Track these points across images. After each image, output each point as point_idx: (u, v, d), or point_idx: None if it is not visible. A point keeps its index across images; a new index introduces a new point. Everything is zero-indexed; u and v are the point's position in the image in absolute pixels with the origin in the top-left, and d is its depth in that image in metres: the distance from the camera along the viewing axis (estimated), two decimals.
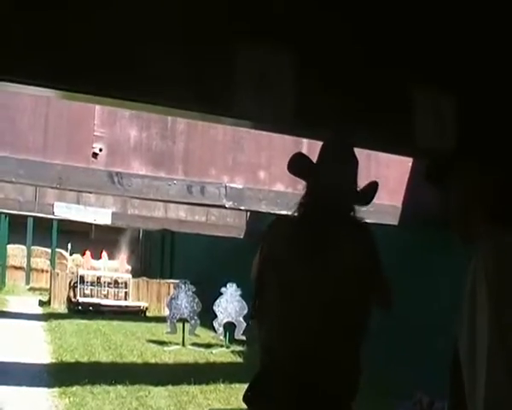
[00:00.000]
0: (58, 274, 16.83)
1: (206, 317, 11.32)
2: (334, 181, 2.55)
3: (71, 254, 21.25)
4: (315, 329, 2.41)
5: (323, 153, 2.61)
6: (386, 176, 6.85)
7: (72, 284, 16.34)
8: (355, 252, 2.49)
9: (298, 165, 2.63)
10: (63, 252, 21.88)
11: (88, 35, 2.18)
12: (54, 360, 9.21)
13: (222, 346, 11.11)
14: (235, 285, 10.90)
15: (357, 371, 2.52)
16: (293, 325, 2.45)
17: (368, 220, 7.51)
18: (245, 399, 2.56)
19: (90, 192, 6.82)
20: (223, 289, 11.07)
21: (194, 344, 11.33)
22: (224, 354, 10.60)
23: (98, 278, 16.78)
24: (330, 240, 2.49)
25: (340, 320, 2.44)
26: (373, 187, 2.71)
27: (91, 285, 16.51)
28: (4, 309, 14.68)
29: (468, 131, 2.60)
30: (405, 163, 6.81)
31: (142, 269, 21.62)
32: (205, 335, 11.84)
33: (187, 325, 11.48)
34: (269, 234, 2.65)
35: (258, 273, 2.63)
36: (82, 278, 16.44)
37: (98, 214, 8.47)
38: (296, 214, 2.59)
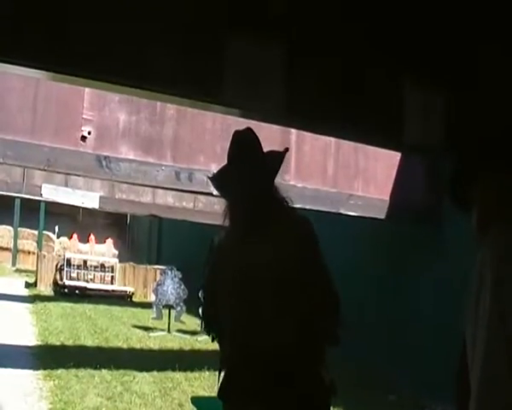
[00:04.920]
0: (45, 256, 16.77)
1: (192, 304, 11.33)
2: (239, 181, 2.58)
3: (58, 237, 21.18)
4: (266, 316, 2.49)
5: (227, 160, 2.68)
6: (374, 169, 6.87)
7: (58, 266, 16.30)
8: (284, 241, 2.52)
9: (217, 186, 2.76)
10: (50, 234, 21.81)
11: (79, 18, 2.16)
12: (39, 343, 9.21)
13: None
14: None
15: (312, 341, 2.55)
16: (248, 320, 2.53)
17: (355, 213, 7.47)
18: (220, 396, 2.60)
19: (78, 175, 6.79)
20: None
21: (179, 331, 11.35)
22: (209, 342, 10.56)
23: (85, 261, 16.77)
24: (260, 235, 2.53)
25: (286, 304, 2.49)
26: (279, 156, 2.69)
27: (78, 269, 16.50)
28: None
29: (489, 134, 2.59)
30: (393, 157, 6.83)
31: (128, 254, 21.59)
32: (190, 322, 11.85)
33: (173, 312, 11.49)
34: (214, 249, 2.75)
35: (208, 285, 2.79)
36: (69, 261, 16.42)
37: (86, 198, 8.42)
38: (227, 225, 2.65)
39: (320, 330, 2.54)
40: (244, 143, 2.61)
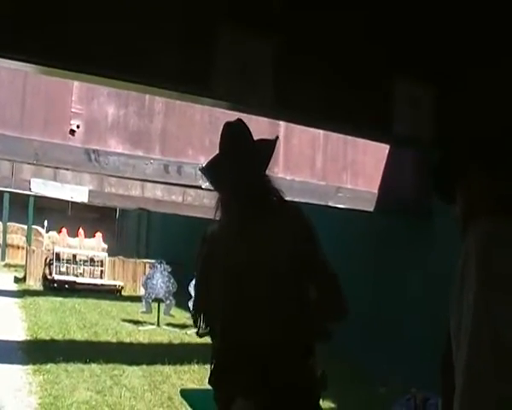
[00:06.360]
0: (34, 251, 16.71)
1: (182, 297, 11.34)
2: (232, 171, 2.58)
3: (47, 231, 21.09)
4: (262, 307, 2.48)
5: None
6: (363, 162, 6.89)
7: (47, 261, 16.25)
8: (282, 231, 2.52)
9: (208, 177, 2.74)
10: (39, 229, 21.71)
11: (68, 10, 2.15)
12: (28, 338, 9.19)
13: None
14: None
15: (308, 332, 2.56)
16: (242, 310, 2.51)
17: (344, 206, 7.47)
18: (211, 383, 2.61)
19: (67, 169, 6.77)
20: None
21: (168, 324, 11.36)
22: None
23: (74, 255, 16.71)
24: (257, 225, 2.53)
25: (283, 298, 2.49)
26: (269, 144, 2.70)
27: (67, 263, 16.45)
28: None
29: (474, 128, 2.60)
30: (382, 149, 6.85)
31: (118, 248, 21.54)
32: (180, 315, 11.86)
33: (162, 305, 11.50)
34: (207, 241, 2.72)
35: (200, 276, 2.74)
36: (58, 255, 16.36)
37: (75, 192, 8.39)
38: (220, 216, 2.64)
39: (314, 325, 2.55)
40: (235, 134, 2.61)
